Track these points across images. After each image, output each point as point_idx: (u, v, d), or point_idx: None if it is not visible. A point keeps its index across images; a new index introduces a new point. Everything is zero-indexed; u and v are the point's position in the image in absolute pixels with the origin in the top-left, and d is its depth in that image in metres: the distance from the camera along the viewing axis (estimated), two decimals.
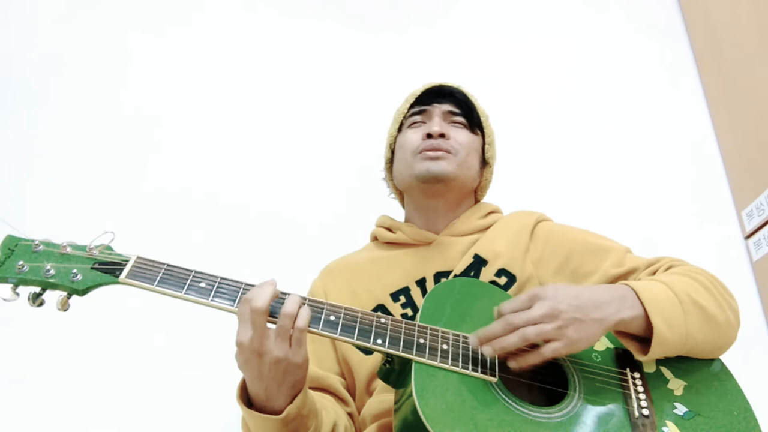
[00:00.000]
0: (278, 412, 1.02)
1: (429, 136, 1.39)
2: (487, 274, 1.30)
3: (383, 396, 1.22)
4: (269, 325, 0.99)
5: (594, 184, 2.24)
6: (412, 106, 1.49)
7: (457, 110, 1.45)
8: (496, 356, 1.04)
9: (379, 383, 1.25)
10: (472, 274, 1.31)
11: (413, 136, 1.43)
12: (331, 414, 1.18)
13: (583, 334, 0.99)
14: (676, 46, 2.52)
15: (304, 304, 1.02)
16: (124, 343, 1.92)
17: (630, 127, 2.34)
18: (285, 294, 1.02)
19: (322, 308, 1.04)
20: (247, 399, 1.06)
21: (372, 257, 1.45)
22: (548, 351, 0.98)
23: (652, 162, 2.27)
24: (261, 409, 1.03)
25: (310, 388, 1.22)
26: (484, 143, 1.50)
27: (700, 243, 2.07)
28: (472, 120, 1.46)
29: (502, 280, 1.28)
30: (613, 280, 1.24)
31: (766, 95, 2.06)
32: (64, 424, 1.82)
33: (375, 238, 1.53)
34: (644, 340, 1.06)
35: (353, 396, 1.31)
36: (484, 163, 1.50)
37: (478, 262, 1.32)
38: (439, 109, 1.45)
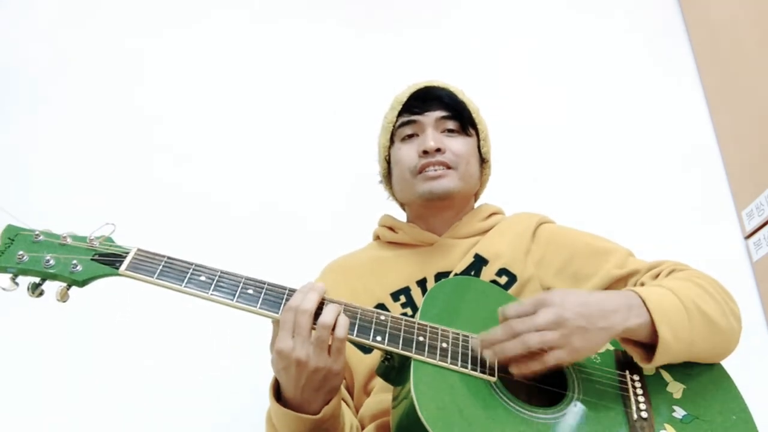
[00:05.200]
0: (312, 414, 1.03)
1: (425, 152, 1.35)
2: (487, 273, 1.29)
3: (381, 396, 1.22)
4: None
5: (594, 185, 2.23)
6: (400, 113, 1.43)
7: (448, 116, 1.40)
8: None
9: (376, 383, 1.25)
10: (472, 273, 1.30)
11: (408, 153, 1.39)
12: (346, 415, 1.19)
13: (587, 344, 0.98)
14: (676, 46, 2.52)
15: (340, 314, 1.02)
16: (122, 336, 1.92)
17: (630, 128, 2.34)
18: (324, 301, 1.03)
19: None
20: (277, 396, 1.07)
21: (373, 256, 1.45)
22: (551, 359, 0.96)
23: (652, 162, 2.27)
24: (293, 408, 1.04)
25: None
26: (479, 140, 1.46)
27: (700, 243, 2.07)
28: (465, 122, 1.41)
29: (503, 280, 1.28)
30: (614, 282, 1.24)
31: (766, 95, 2.06)
32: (61, 419, 1.82)
33: (377, 237, 1.52)
34: (648, 346, 1.05)
35: (351, 395, 1.31)
36: (482, 160, 1.48)
37: (479, 262, 1.32)
38: (431, 118, 1.39)
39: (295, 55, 2.47)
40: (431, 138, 1.36)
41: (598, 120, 2.36)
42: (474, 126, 1.44)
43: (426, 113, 1.39)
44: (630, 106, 2.39)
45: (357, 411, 1.28)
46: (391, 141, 1.46)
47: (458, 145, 1.38)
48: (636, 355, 1.06)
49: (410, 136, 1.41)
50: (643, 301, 1.03)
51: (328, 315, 0.99)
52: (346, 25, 2.54)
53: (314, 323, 0.99)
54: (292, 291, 1.04)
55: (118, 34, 2.43)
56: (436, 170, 1.35)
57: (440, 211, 1.42)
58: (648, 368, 1.07)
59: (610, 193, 2.22)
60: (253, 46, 2.47)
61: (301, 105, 2.37)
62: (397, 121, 1.44)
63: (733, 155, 2.23)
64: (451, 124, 1.39)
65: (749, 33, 2.16)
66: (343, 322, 1.01)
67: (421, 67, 2.36)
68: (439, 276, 1.33)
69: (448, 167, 1.35)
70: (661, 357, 1.02)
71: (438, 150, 1.35)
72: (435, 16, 2.58)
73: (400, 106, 1.44)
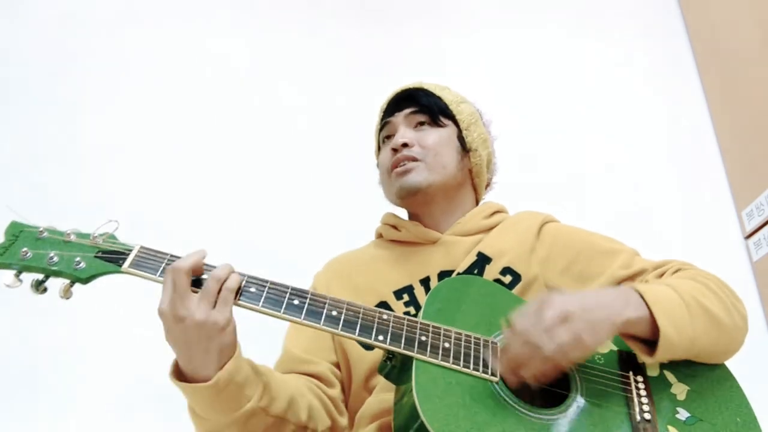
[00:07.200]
0: (205, 381, 0.99)
1: (394, 150, 1.39)
2: (491, 272, 1.28)
3: (383, 395, 1.21)
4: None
5: (593, 185, 2.24)
6: (382, 119, 1.49)
7: (417, 110, 1.42)
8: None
9: (377, 380, 1.24)
10: (476, 271, 1.29)
11: (385, 154, 1.43)
12: (306, 396, 1.16)
13: (594, 335, 0.98)
14: (676, 46, 2.52)
15: (233, 272, 1.01)
16: (122, 335, 1.91)
17: (630, 127, 2.35)
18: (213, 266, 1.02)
19: (324, 303, 1.03)
20: (179, 375, 1.03)
21: (376, 254, 1.44)
22: (564, 360, 0.97)
23: (652, 162, 2.28)
24: (192, 381, 1.00)
25: (294, 372, 1.23)
26: (460, 129, 1.45)
27: (700, 243, 2.07)
28: (436, 114, 1.42)
29: (507, 279, 1.26)
30: (620, 282, 1.22)
31: (766, 95, 2.06)
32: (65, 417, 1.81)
33: (380, 235, 1.51)
34: (651, 343, 1.04)
35: (349, 391, 1.30)
36: (467, 150, 1.45)
37: (482, 260, 1.30)
38: (401, 116, 1.43)
39: (300, 54, 2.47)
40: (400, 135, 1.40)
41: (598, 120, 2.36)
42: (451, 116, 1.45)
43: (397, 113, 1.44)
44: (630, 106, 2.39)
45: (357, 409, 1.26)
46: (380, 147, 1.51)
47: (429, 137, 1.40)
48: (638, 350, 1.04)
49: (388, 138, 1.46)
50: (641, 296, 1.03)
51: (221, 270, 0.99)
52: (351, 19, 2.55)
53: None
54: (174, 257, 1.02)
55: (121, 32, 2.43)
56: (403, 165, 1.37)
57: (423, 206, 1.42)
58: (651, 363, 1.06)
59: (609, 193, 2.22)
60: (252, 44, 2.47)
61: (303, 99, 2.37)
62: (380, 126, 1.49)
63: (733, 155, 2.24)
64: (421, 117, 1.42)
65: (749, 33, 2.16)
66: (235, 277, 1.00)
67: (426, 65, 2.38)
68: (443, 274, 1.32)
69: (416, 160, 1.37)
70: (663, 351, 1.01)
71: (405, 145, 1.37)
72: (440, 14, 2.58)
73: (383, 113, 1.49)
